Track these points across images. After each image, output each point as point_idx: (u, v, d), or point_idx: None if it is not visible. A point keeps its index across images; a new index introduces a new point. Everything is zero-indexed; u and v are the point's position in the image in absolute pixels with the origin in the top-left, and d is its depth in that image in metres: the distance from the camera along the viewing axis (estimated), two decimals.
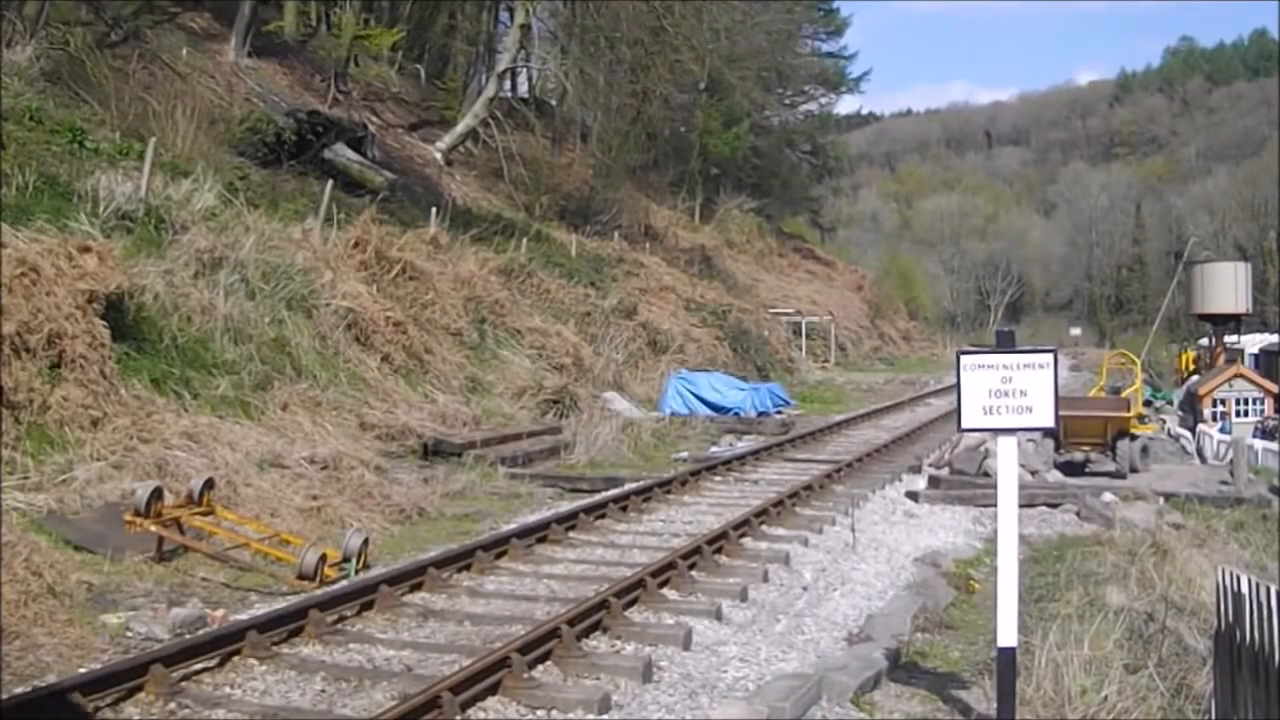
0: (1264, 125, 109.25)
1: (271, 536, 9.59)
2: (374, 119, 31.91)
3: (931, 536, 12.13)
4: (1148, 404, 24.08)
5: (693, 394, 24.17)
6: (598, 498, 13.12)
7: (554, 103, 43.03)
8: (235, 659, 6.78)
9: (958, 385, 5.98)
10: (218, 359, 13.45)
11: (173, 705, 6.07)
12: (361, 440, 13.96)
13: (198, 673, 6.55)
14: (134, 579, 8.56)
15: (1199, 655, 6.98)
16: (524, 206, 34.04)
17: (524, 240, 27.00)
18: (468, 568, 9.45)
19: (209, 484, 9.67)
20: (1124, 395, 19.60)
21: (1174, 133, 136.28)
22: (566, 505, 12.70)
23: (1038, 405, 5.86)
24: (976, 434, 13.70)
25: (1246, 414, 27.33)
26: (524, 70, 40.06)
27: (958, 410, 6.02)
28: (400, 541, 10.89)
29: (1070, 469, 17.03)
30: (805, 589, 9.40)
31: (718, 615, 8.25)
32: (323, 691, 6.44)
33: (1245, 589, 5.34)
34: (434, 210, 23.95)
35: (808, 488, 14.06)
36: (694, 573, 9.40)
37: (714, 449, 19.68)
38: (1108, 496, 14.19)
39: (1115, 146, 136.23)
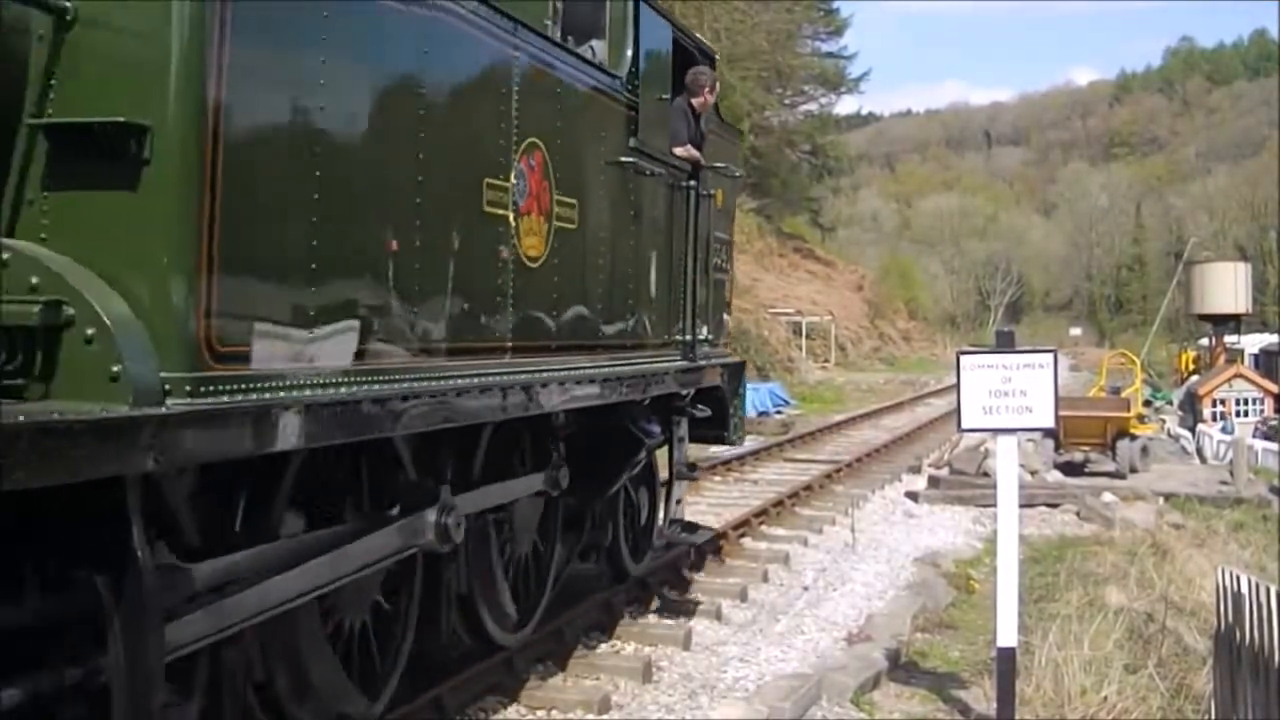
0: (1264, 125, 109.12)
1: None
2: None
3: (931, 536, 12.13)
4: (1148, 404, 24.06)
5: None
6: None
7: None
8: None
9: (958, 385, 5.98)
10: None
11: None
12: None
13: None
14: None
15: (1199, 655, 6.98)
16: None
17: None
18: None
19: None
20: (1124, 395, 19.60)
21: (1174, 133, 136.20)
22: None
23: (1038, 405, 5.86)
24: (976, 434, 13.69)
25: (1246, 414, 27.31)
26: None
27: (958, 410, 6.02)
28: None
29: (1070, 469, 17.02)
30: (805, 589, 9.40)
31: (717, 615, 8.25)
32: None
33: (1245, 589, 5.34)
34: None
35: (807, 488, 14.07)
36: (694, 572, 9.39)
37: (713, 449, 19.67)
38: (1108, 496, 14.18)
39: (1115, 146, 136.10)
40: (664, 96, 7.23)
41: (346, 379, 4.00)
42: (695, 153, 7.58)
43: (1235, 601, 5.45)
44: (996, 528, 6.18)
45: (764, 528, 11.63)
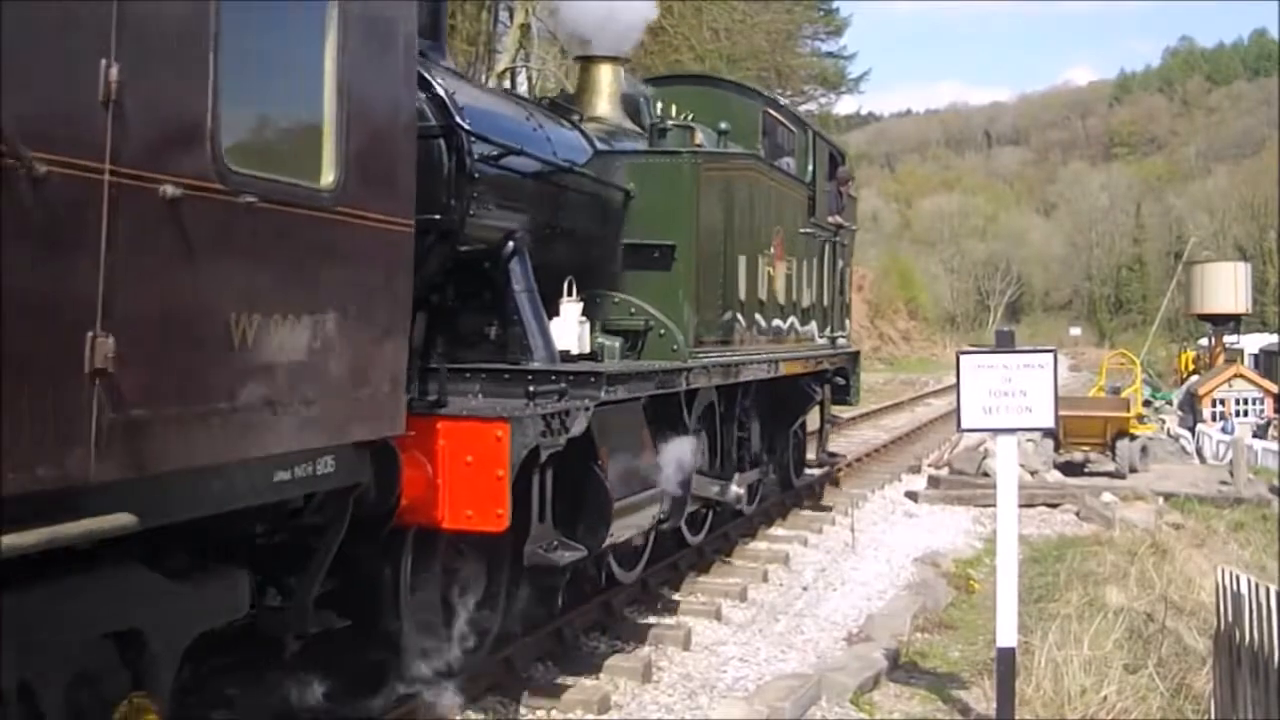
0: (1264, 125, 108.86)
1: None
2: None
3: (931, 536, 12.12)
4: (1147, 404, 24.02)
5: None
6: None
7: None
8: None
9: (958, 385, 5.98)
10: None
11: None
12: None
13: None
14: None
15: (1199, 655, 6.97)
16: None
17: None
18: None
19: None
20: (1124, 395, 19.58)
21: (1174, 133, 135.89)
22: None
23: (1038, 405, 5.86)
24: (976, 434, 13.69)
25: (1246, 414, 27.26)
26: (523, 70, 39.97)
27: (958, 410, 6.02)
28: None
29: (1070, 469, 17.02)
30: (805, 589, 9.40)
31: (717, 615, 8.25)
32: None
33: (1245, 589, 5.34)
34: None
35: (807, 487, 14.04)
36: (694, 572, 9.39)
37: None
38: (1108, 496, 14.17)
39: (1115, 146, 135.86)
40: (826, 189, 12.15)
41: (729, 353, 8.88)
42: (840, 219, 12.46)
43: (1235, 601, 5.45)
44: (996, 528, 6.18)
45: (764, 528, 11.62)
